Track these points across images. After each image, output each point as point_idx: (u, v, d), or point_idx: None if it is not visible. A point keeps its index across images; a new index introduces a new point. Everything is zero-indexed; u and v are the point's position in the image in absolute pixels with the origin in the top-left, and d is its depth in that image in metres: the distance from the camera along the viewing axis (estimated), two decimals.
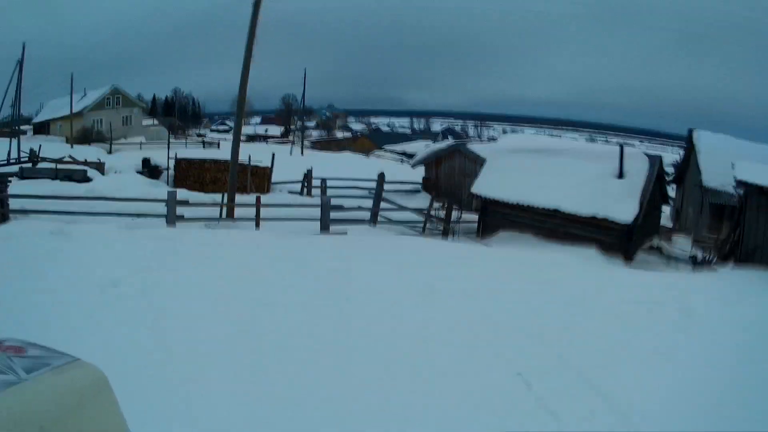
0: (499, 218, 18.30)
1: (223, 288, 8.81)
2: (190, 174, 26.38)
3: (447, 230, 17.75)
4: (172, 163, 27.41)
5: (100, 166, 27.69)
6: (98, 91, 58.98)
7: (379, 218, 18.90)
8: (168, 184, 25.76)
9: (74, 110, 54.18)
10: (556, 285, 10.28)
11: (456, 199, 21.19)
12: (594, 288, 10.29)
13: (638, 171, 17.25)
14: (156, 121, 69.80)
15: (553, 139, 22.80)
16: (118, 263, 9.38)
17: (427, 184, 29.67)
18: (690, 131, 27.56)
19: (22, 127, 54.75)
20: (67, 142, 48.32)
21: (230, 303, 8.19)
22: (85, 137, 52.87)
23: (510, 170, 18.54)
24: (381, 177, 20.39)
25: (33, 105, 66.86)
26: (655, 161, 17.95)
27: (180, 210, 15.29)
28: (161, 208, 15.17)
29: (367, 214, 18.68)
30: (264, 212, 16.40)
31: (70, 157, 30.07)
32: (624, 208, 16.27)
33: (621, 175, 17.16)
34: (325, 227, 15.12)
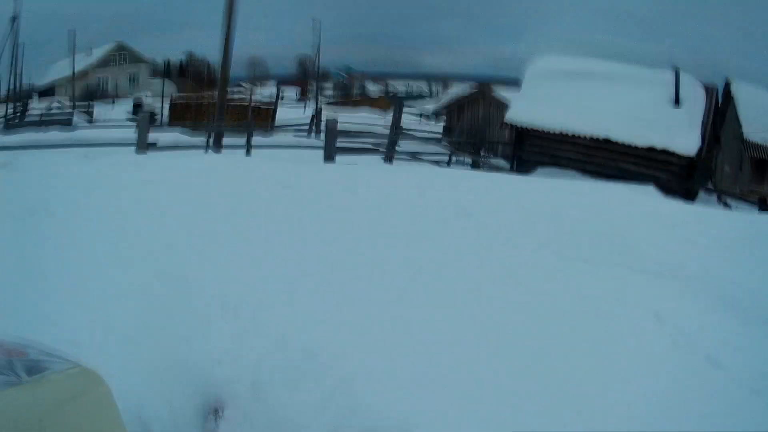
0: (536, 152, 15.58)
1: (171, 214, 6.32)
2: (186, 116, 23.84)
3: (478, 162, 14.98)
4: (167, 104, 24.90)
5: (88, 112, 25.43)
6: (103, 48, 56.39)
7: (396, 153, 16.10)
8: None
9: (79, 69, 52.03)
10: (630, 214, 7.53)
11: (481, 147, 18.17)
12: (678, 221, 7.50)
13: (695, 99, 14.70)
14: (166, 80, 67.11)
15: (595, 61, 19.50)
16: (47, 190, 7.41)
17: (449, 134, 26.86)
18: (727, 82, 24.69)
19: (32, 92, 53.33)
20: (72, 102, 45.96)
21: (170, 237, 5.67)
22: (90, 96, 50.63)
23: (550, 95, 15.69)
24: (398, 102, 17.62)
25: (39, 72, 64.37)
26: (713, 91, 15.21)
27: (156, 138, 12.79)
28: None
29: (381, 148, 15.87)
30: (259, 141, 13.91)
31: (59, 103, 27.99)
32: (685, 140, 13.78)
33: (677, 103, 14.44)
34: (329, 156, 12.44)
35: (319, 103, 47.19)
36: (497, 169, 15.56)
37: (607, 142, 14.22)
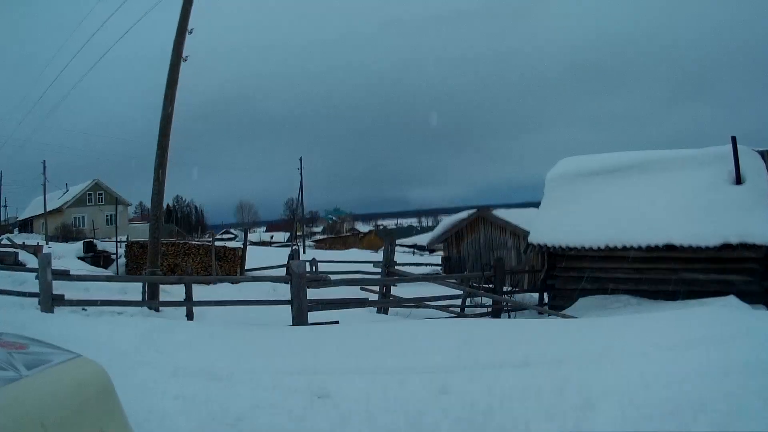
0: (574, 278, 12.29)
1: None
2: (143, 260, 20.57)
3: (500, 305, 11.53)
4: (122, 248, 21.71)
5: (37, 250, 22.30)
6: (79, 186, 54.46)
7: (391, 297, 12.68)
8: (118, 272, 20.30)
9: (56, 206, 50.39)
10: None
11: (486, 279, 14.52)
12: None
13: (757, 172, 11.53)
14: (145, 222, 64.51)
15: (625, 154, 15.89)
16: None
17: (449, 265, 23.72)
18: None
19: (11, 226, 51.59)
20: (45, 239, 43.13)
21: None
22: (66, 235, 48.01)
23: (583, 203, 12.57)
24: (390, 237, 14.47)
25: (23, 204, 62.85)
26: None
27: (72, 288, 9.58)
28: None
29: (368, 295, 12.41)
30: (213, 292, 10.60)
31: (9, 240, 25.19)
32: (761, 225, 10.49)
33: (739, 180, 11.38)
34: (300, 316, 8.97)
35: (296, 242, 44.13)
36: (522, 307, 12.11)
37: (668, 249, 11.02)
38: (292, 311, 8.92)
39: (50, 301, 9.04)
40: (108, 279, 11.89)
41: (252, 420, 3.95)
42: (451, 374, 4.89)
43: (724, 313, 7.36)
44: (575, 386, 4.53)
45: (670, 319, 7.12)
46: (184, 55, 13.00)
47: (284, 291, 9.67)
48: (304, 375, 4.84)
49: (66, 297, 9.31)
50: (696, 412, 4.01)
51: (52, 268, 9.59)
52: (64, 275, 9.65)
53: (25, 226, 56.50)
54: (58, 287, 12.26)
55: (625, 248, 11.39)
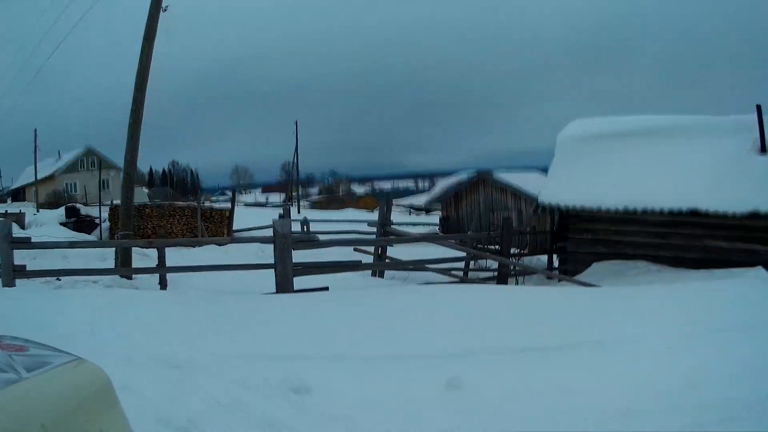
0: (588, 241, 11.54)
1: None
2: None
3: (507, 269, 10.64)
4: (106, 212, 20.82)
5: (20, 218, 21.50)
6: (72, 152, 53.50)
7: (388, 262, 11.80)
8: (102, 237, 19.44)
9: (48, 173, 49.77)
10: None
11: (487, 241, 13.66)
12: None
13: None
14: (145, 189, 63.66)
15: (641, 117, 15.19)
16: None
17: (447, 225, 23.03)
18: None
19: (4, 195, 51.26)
20: (36, 207, 42.41)
21: None
22: (58, 201, 47.32)
23: (599, 164, 11.80)
24: (386, 198, 13.57)
25: (17, 173, 61.91)
26: None
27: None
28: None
29: (362, 257, 11.51)
30: (193, 256, 9.73)
31: None
32: None
33: (764, 149, 10.67)
34: (284, 282, 8.08)
35: (290, 202, 43.30)
36: (532, 271, 11.26)
37: (692, 215, 10.32)
38: (275, 275, 8.05)
39: (11, 274, 8.16)
40: (71, 245, 11.02)
41: (205, 423, 3.10)
42: (461, 362, 4.04)
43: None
44: (608, 382, 3.70)
45: (710, 294, 6.30)
46: (164, 4, 11.95)
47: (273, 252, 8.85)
48: (279, 361, 3.99)
49: (28, 268, 8.42)
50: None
51: (14, 235, 8.71)
52: (24, 243, 8.72)
53: (18, 194, 56.00)
54: (37, 256, 11.44)
55: (645, 212, 10.67)
